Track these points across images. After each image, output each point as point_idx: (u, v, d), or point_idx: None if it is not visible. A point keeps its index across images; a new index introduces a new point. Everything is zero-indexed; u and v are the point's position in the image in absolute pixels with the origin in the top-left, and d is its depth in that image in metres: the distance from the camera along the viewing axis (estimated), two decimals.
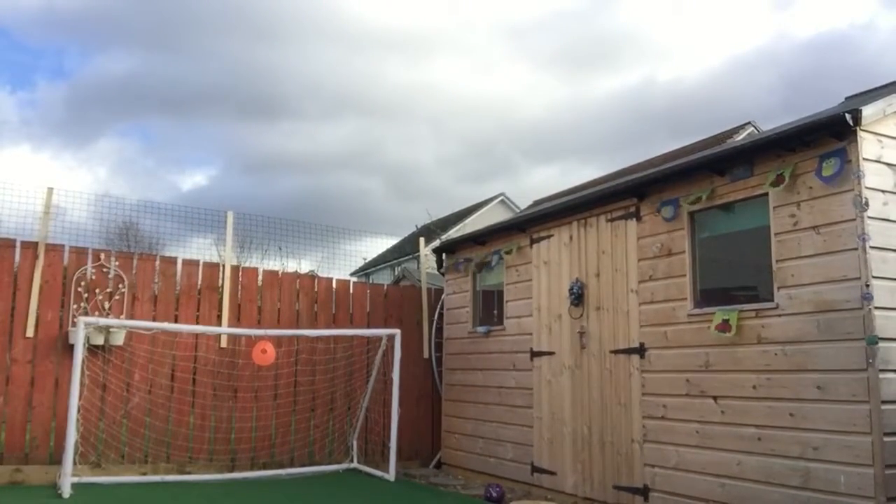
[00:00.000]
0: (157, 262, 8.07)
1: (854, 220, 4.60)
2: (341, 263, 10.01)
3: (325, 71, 56.68)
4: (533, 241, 7.51)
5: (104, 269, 7.58)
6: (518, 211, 22.37)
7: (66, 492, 6.25)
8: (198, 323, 7.96)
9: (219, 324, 8.02)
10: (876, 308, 4.47)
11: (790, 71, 53.92)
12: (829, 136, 4.78)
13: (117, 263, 7.67)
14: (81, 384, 6.66)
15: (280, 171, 49.67)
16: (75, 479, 6.47)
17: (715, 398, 5.39)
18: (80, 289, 7.40)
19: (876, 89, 6.29)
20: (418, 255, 10.32)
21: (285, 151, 50.09)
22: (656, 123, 50.38)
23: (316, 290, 8.85)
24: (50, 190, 7.51)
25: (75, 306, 7.32)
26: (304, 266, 12.01)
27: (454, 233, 17.71)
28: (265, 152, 49.61)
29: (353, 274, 17.27)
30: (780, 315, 5.00)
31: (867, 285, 4.48)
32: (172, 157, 54.75)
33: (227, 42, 54.32)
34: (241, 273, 8.41)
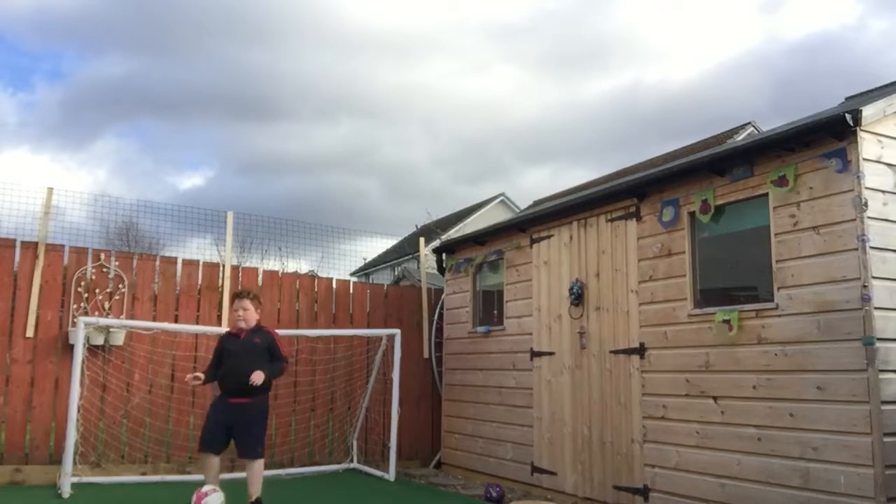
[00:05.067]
0: (157, 262, 8.06)
1: (854, 220, 4.60)
2: (341, 263, 10.02)
3: (319, 72, 56.86)
4: (533, 241, 7.50)
5: (104, 269, 7.58)
6: (518, 211, 22.37)
7: (66, 492, 6.25)
8: (198, 323, 7.95)
9: (219, 324, 8.01)
10: (876, 308, 4.47)
11: (780, 72, 54.21)
12: (830, 136, 4.78)
13: (117, 263, 7.67)
14: (81, 384, 6.65)
15: (276, 172, 49.81)
16: (75, 479, 6.47)
17: (715, 398, 5.39)
18: (80, 289, 7.39)
19: (876, 89, 6.30)
20: (418, 255, 10.32)
21: (281, 152, 50.25)
22: (647, 125, 50.65)
23: (316, 290, 8.85)
24: (50, 190, 7.51)
25: (75, 306, 7.31)
26: (304, 266, 12.02)
27: (454, 233, 17.71)
28: (261, 153, 49.77)
29: (353, 274, 17.26)
30: (780, 315, 5.00)
31: (865, 286, 4.48)
32: (170, 159, 54.91)
33: (222, 44, 54.46)
34: (240, 273, 8.41)
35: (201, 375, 5.69)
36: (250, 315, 5.76)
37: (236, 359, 5.59)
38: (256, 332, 5.77)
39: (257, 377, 5.36)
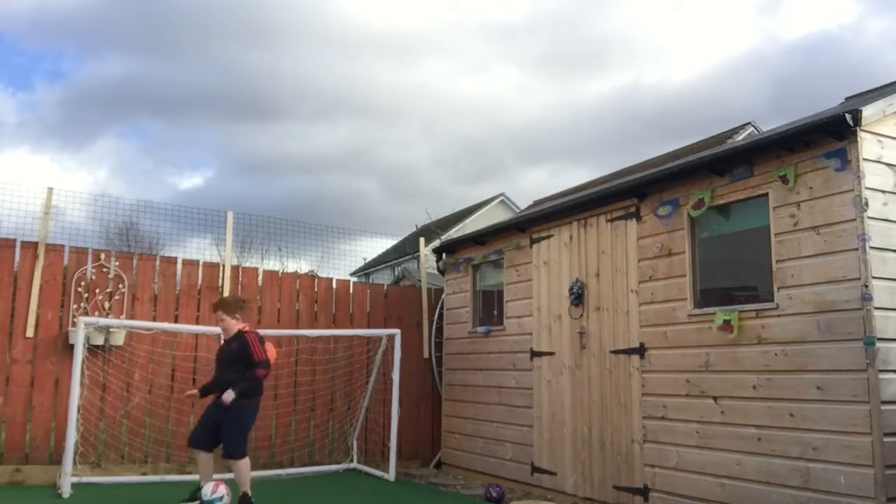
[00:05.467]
0: (157, 262, 8.07)
1: (854, 220, 4.60)
2: (341, 263, 10.02)
3: (318, 72, 56.89)
4: (533, 241, 7.50)
5: (104, 269, 7.58)
6: (518, 211, 22.36)
7: (67, 492, 6.24)
8: (198, 323, 7.95)
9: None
10: (876, 308, 4.47)
11: (779, 73, 54.29)
12: (830, 136, 4.78)
13: (117, 263, 7.67)
14: (81, 384, 6.65)
15: (275, 172, 49.77)
16: (75, 479, 6.46)
17: (715, 398, 5.39)
18: (80, 289, 7.39)
19: (876, 89, 6.30)
20: (418, 255, 10.31)
21: (281, 153, 50.23)
22: (646, 125, 50.67)
23: (316, 290, 8.84)
24: (50, 190, 7.50)
25: (75, 306, 7.31)
26: (304, 266, 12.02)
27: (454, 233, 17.70)
28: (260, 153, 49.77)
29: (353, 274, 17.27)
30: (780, 315, 4.99)
31: (866, 286, 4.48)
32: (169, 159, 54.88)
33: (222, 44, 54.50)
34: (240, 273, 8.41)
35: (196, 392, 6.14)
36: (226, 325, 6.00)
37: (217, 365, 6.02)
38: (235, 337, 5.95)
39: (227, 397, 5.62)
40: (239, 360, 5.78)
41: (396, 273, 20.10)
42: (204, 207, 8.59)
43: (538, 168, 50.22)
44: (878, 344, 4.43)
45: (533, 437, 7.21)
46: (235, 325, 5.97)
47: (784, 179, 5.02)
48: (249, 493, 5.75)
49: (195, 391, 6.15)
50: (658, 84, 55.70)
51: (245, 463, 5.75)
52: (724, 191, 5.50)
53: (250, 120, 53.98)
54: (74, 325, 6.93)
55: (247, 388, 5.71)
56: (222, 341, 6.15)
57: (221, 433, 5.72)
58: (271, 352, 7.33)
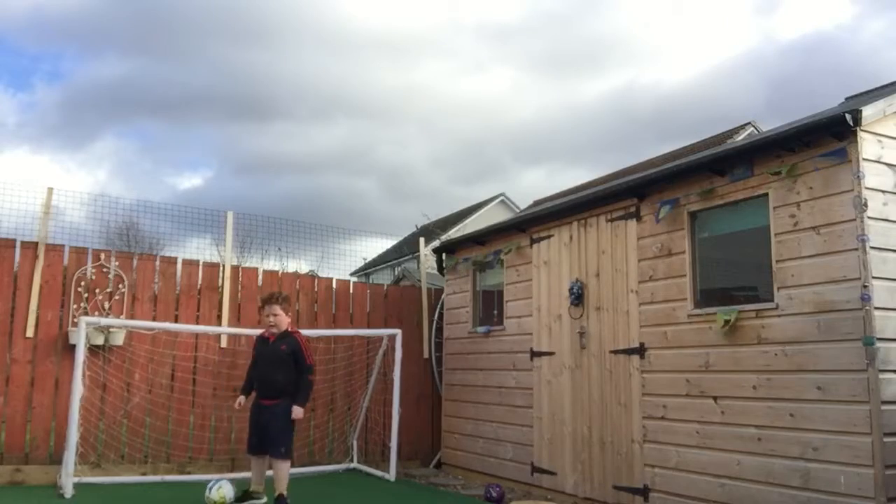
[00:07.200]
0: (157, 262, 8.07)
1: (854, 220, 4.60)
2: (341, 263, 10.03)
3: (317, 72, 56.98)
4: (533, 241, 7.50)
5: (104, 269, 7.58)
6: (518, 211, 22.36)
7: (69, 492, 6.24)
8: (198, 323, 7.95)
9: (219, 324, 8.01)
10: (876, 308, 4.47)
11: (775, 73, 54.33)
12: (830, 136, 4.78)
13: (117, 263, 7.67)
14: (82, 384, 6.64)
15: (274, 172, 49.85)
16: (75, 480, 6.45)
17: (715, 398, 5.39)
18: (80, 289, 7.39)
19: (875, 89, 6.30)
20: (418, 255, 10.32)
21: (279, 153, 50.34)
22: (643, 126, 50.71)
23: (316, 290, 8.84)
24: (50, 190, 7.50)
25: (75, 306, 7.31)
26: (304, 266, 12.03)
27: (454, 233, 17.71)
28: (259, 154, 49.87)
29: (353, 274, 17.26)
30: (780, 315, 5.00)
31: (865, 286, 4.48)
32: (168, 159, 54.96)
33: (220, 45, 54.59)
34: (240, 273, 8.41)
35: (242, 398, 6.09)
36: (281, 320, 6.03)
37: (263, 364, 5.98)
38: (284, 337, 6.00)
39: (297, 414, 5.82)
40: (287, 361, 5.84)
41: (396, 273, 20.09)
42: (203, 207, 8.60)
43: (536, 168, 50.32)
44: (878, 344, 4.43)
45: (533, 437, 7.21)
46: (286, 321, 5.98)
47: (778, 175, 5.01)
48: (286, 494, 5.80)
49: (241, 399, 6.06)
50: (655, 84, 55.81)
51: (288, 464, 5.85)
52: (724, 191, 5.50)
53: (249, 120, 54.06)
54: (75, 325, 6.93)
55: (308, 396, 5.87)
56: (264, 336, 6.10)
57: (266, 432, 5.79)
58: None
